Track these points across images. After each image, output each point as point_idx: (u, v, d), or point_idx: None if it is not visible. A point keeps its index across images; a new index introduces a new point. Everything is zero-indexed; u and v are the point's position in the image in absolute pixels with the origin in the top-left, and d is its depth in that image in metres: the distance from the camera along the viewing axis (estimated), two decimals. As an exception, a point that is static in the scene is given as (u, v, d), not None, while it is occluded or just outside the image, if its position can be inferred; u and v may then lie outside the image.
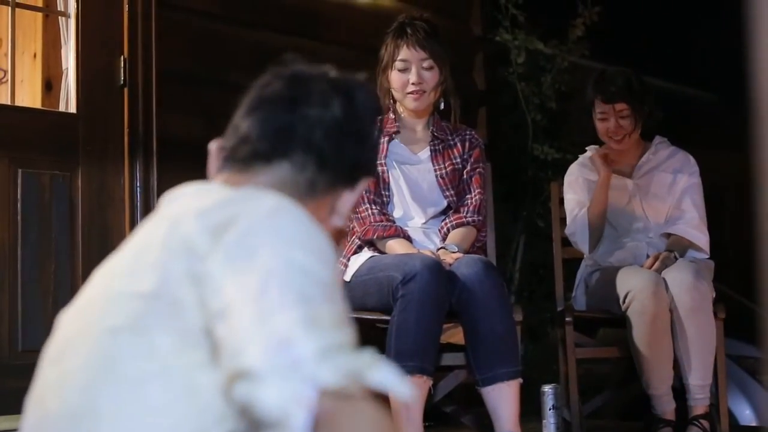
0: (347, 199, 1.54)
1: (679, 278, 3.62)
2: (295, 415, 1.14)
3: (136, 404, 1.25)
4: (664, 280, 3.64)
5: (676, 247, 3.88)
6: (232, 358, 1.20)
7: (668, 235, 3.96)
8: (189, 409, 1.24)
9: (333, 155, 1.50)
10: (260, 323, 1.20)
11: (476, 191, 3.59)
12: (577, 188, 4.06)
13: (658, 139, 4.13)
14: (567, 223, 4.05)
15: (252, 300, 1.22)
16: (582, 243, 3.99)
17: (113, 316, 1.32)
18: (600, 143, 4.11)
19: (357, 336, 1.25)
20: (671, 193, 4.02)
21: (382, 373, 1.20)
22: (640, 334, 3.59)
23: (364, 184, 1.56)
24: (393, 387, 1.20)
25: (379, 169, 3.56)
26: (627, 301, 3.63)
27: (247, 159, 1.49)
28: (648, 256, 3.88)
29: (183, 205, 1.41)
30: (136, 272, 1.34)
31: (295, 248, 1.28)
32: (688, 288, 3.60)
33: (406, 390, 1.20)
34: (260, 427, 1.18)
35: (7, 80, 3.93)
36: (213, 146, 1.57)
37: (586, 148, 4.17)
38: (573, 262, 4.12)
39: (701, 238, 3.93)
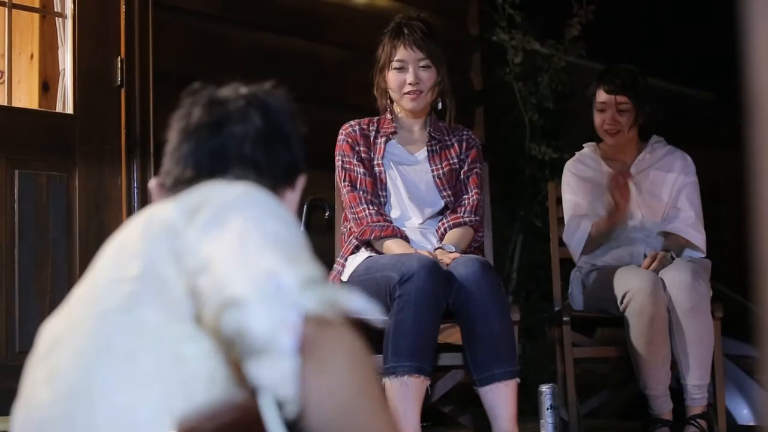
0: (291, 198, 1.64)
1: (677, 278, 3.62)
2: (283, 338, 1.21)
3: (128, 377, 1.29)
4: (661, 280, 3.64)
5: (674, 246, 3.88)
6: (218, 292, 1.27)
7: (665, 234, 3.97)
8: (178, 379, 1.28)
9: (267, 162, 1.59)
10: (242, 262, 1.28)
11: (473, 191, 3.59)
12: (573, 189, 4.06)
13: (654, 138, 4.13)
14: (565, 223, 4.05)
15: (232, 250, 1.30)
16: (575, 251, 4.00)
17: (102, 301, 1.37)
18: (596, 140, 4.12)
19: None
20: (668, 192, 4.02)
21: (357, 302, 1.29)
22: (637, 335, 3.59)
23: (302, 182, 1.65)
24: (367, 312, 1.29)
25: (377, 169, 3.56)
26: (625, 301, 3.62)
27: (191, 182, 1.56)
28: (645, 255, 3.88)
29: (154, 208, 1.48)
30: (119, 263, 1.40)
31: (265, 217, 1.36)
32: (687, 288, 3.60)
33: (377, 314, 1.30)
34: (246, 360, 1.24)
35: (4, 81, 3.93)
36: (152, 184, 1.65)
37: (584, 145, 4.18)
38: (570, 262, 4.12)
39: (698, 237, 3.93)
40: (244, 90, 1.65)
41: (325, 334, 1.24)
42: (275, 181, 1.59)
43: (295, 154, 1.64)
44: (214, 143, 1.58)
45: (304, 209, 4.46)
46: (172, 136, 1.63)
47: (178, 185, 1.57)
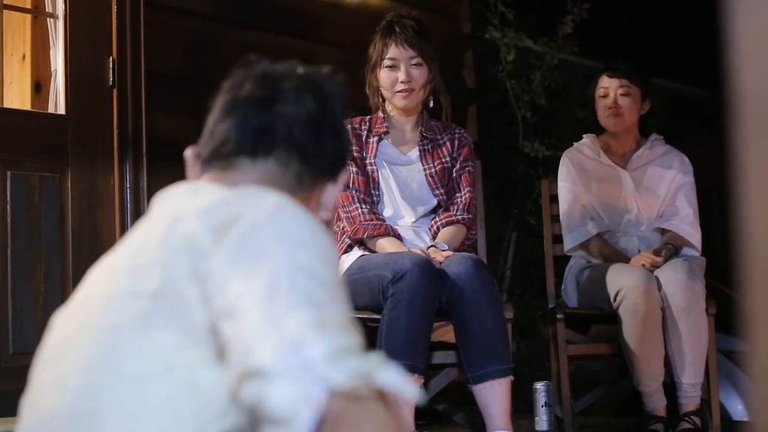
0: (331, 191, 1.56)
1: (673, 277, 3.63)
2: (302, 414, 1.14)
3: (138, 401, 1.25)
4: (656, 278, 3.64)
5: (672, 243, 3.89)
6: (242, 357, 1.20)
7: (662, 231, 3.97)
8: (190, 406, 1.24)
9: (314, 149, 1.52)
10: (271, 324, 1.20)
11: (466, 189, 3.59)
12: (572, 177, 4.06)
13: (654, 135, 4.15)
14: (561, 212, 4.05)
15: (260, 301, 1.22)
16: (568, 243, 4.01)
17: (115, 314, 1.31)
18: (595, 131, 4.13)
19: (362, 337, 1.25)
20: (665, 188, 4.03)
21: (390, 375, 1.20)
22: (631, 332, 3.59)
23: (344, 176, 1.59)
24: (400, 388, 1.20)
25: (369, 168, 3.57)
26: (618, 299, 3.63)
27: (231, 157, 1.50)
28: (639, 251, 3.89)
29: (178, 204, 1.41)
30: (136, 271, 1.34)
31: (299, 249, 1.28)
32: (682, 287, 3.60)
33: (413, 391, 1.21)
34: (263, 425, 1.18)
35: (-4, 82, 3.92)
36: (189, 153, 1.58)
37: (583, 136, 4.18)
38: (564, 260, 4.13)
39: (695, 235, 3.95)
40: (300, 70, 1.58)
41: (355, 410, 1.17)
42: (319, 170, 1.53)
43: (343, 144, 1.59)
44: (262, 120, 1.52)
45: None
46: (217, 105, 1.57)
47: (216, 158, 1.51)
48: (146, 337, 1.27)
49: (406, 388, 1.20)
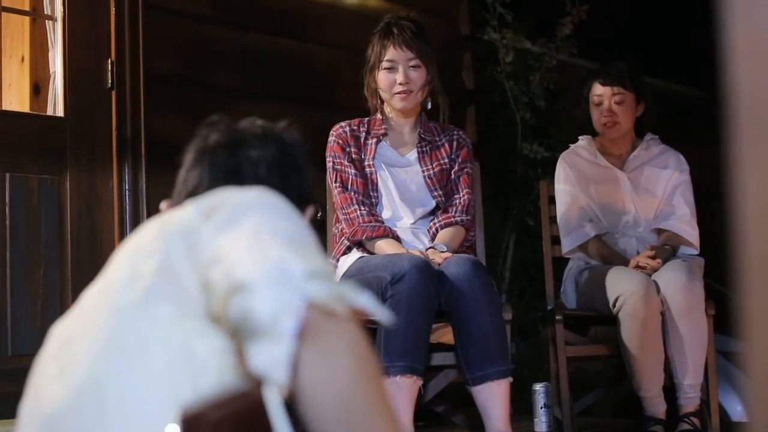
0: None
1: (672, 279, 3.62)
2: (285, 321, 1.23)
3: (139, 372, 1.30)
4: (654, 282, 3.64)
5: (670, 243, 3.89)
6: (227, 277, 1.29)
7: (659, 231, 3.97)
8: (188, 374, 1.29)
9: (279, 187, 1.60)
10: (255, 250, 1.30)
11: (464, 191, 3.59)
12: (570, 180, 4.06)
13: (649, 135, 4.14)
14: (559, 214, 4.05)
15: (245, 241, 1.32)
16: (566, 246, 4.01)
17: (118, 299, 1.38)
18: (590, 133, 4.13)
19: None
20: (662, 188, 4.03)
21: (364, 298, 1.30)
22: (631, 337, 3.58)
23: (310, 212, 1.70)
24: (372, 310, 1.30)
25: (368, 170, 3.57)
26: (618, 304, 3.62)
27: None
28: (638, 252, 3.89)
29: (171, 213, 1.49)
30: (136, 261, 1.41)
31: (278, 217, 1.39)
32: (682, 288, 3.60)
33: (384, 314, 1.31)
34: (249, 343, 1.25)
35: (-5, 84, 3.93)
36: (164, 206, 1.68)
37: (579, 138, 4.18)
38: (563, 261, 4.13)
39: (693, 234, 3.94)
40: (260, 122, 1.71)
41: (329, 323, 1.26)
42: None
43: (306, 184, 1.70)
44: (230, 162, 1.63)
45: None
46: (187, 158, 1.67)
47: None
48: (147, 311, 1.34)
49: (378, 311, 1.30)
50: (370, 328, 3.22)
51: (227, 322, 1.29)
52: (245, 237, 1.33)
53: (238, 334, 1.27)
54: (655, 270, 3.71)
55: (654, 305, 3.57)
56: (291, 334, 1.22)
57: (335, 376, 1.26)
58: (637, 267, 3.74)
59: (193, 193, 1.61)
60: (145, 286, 1.36)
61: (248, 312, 1.25)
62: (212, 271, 1.32)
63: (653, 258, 3.75)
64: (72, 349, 1.37)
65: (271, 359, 1.23)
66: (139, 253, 1.42)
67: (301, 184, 1.68)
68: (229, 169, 1.62)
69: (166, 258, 1.38)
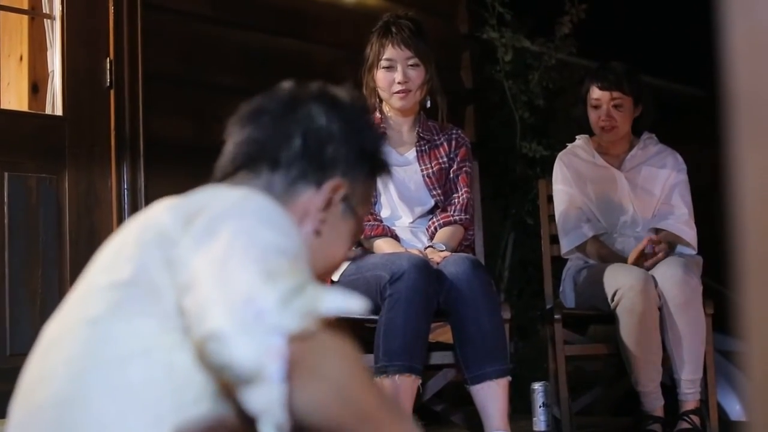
0: (313, 199, 1.57)
1: (668, 273, 3.63)
2: (270, 365, 1.19)
3: (119, 384, 1.29)
4: (652, 277, 3.64)
5: (668, 242, 3.89)
6: (198, 325, 1.24)
7: (657, 231, 3.97)
8: (169, 387, 1.28)
9: (302, 151, 1.56)
10: (221, 287, 1.25)
11: (463, 190, 3.59)
12: (568, 180, 4.06)
13: (646, 134, 4.14)
14: (559, 213, 4.04)
15: (213, 268, 1.28)
16: (564, 246, 4.01)
17: (93, 307, 1.36)
18: (588, 132, 4.13)
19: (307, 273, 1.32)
20: (660, 187, 4.04)
21: (338, 301, 1.27)
22: (628, 332, 3.59)
23: (330, 186, 1.57)
24: (346, 308, 1.27)
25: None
26: (615, 299, 3.63)
27: (234, 172, 1.58)
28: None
29: (151, 211, 1.47)
30: (113, 267, 1.39)
31: (258, 225, 1.34)
32: (678, 283, 3.61)
33: (358, 305, 1.28)
34: (237, 389, 1.22)
35: (-7, 83, 3.92)
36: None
37: (576, 137, 4.18)
38: (562, 260, 4.13)
39: (690, 233, 3.95)
40: (289, 85, 1.64)
41: (309, 344, 1.23)
42: (304, 173, 1.55)
43: (337, 155, 1.58)
44: (251, 130, 1.59)
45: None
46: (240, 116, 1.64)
47: (223, 179, 1.59)
48: (124, 324, 1.32)
49: (351, 305, 1.27)
50: (368, 327, 3.22)
51: (207, 362, 1.26)
52: (215, 260, 1.28)
53: (222, 374, 1.25)
54: (656, 263, 3.72)
55: (652, 300, 3.58)
56: (279, 377, 1.20)
57: (326, 392, 1.25)
58: (638, 258, 3.74)
59: (226, 166, 1.59)
60: (120, 296, 1.34)
61: (228, 361, 1.21)
62: (185, 299, 1.29)
63: (657, 242, 3.74)
64: (52, 355, 1.37)
65: (265, 403, 1.21)
66: (117, 258, 1.40)
67: (332, 153, 1.57)
68: (249, 138, 1.58)
69: (141, 266, 1.35)
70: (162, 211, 1.42)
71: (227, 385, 1.26)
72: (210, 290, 1.25)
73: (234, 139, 1.60)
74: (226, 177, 1.58)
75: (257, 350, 1.19)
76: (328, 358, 1.25)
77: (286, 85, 1.64)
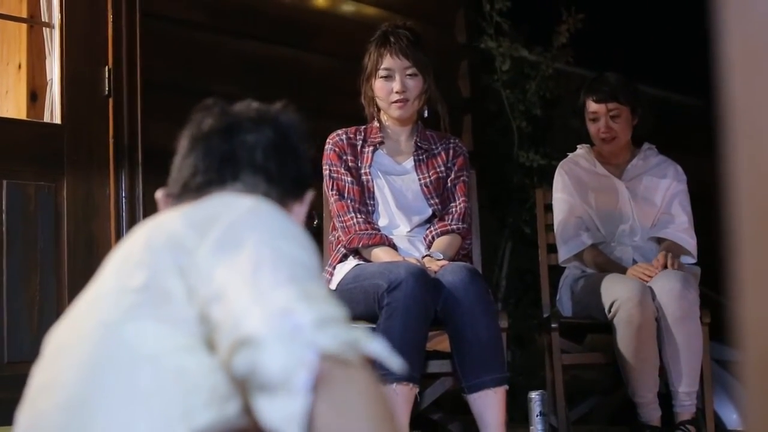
0: (298, 211, 1.63)
1: (667, 287, 3.62)
2: (298, 376, 1.19)
3: (128, 388, 1.29)
4: (650, 288, 3.64)
5: (671, 251, 3.89)
6: (233, 329, 1.24)
7: (658, 240, 3.98)
8: (178, 392, 1.28)
9: (277, 172, 1.59)
10: (258, 297, 1.25)
11: (460, 199, 3.59)
12: (568, 189, 4.06)
13: (646, 145, 4.15)
14: (558, 221, 4.05)
15: (246, 280, 1.28)
16: (562, 255, 4.01)
17: (104, 311, 1.36)
18: (589, 142, 4.14)
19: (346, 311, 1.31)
20: (660, 197, 4.04)
21: (376, 345, 1.26)
22: (626, 343, 3.59)
23: (310, 196, 1.65)
24: (386, 358, 1.26)
25: (364, 178, 3.57)
26: (613, 310, 3.62)
27: (201, 188, 1.56)
28: (634, 261, 3.90)
29: (160, 217, 1.47)
30: (123, 272, 1.39)
31: (277, 237, 1.35)
32: (677, 296, 3.60)
33: (397, 362, 1.27)
34: (257, 396, 1.22)
35: (-8, 91, 3.92)
36: (159, 194, 1.64)
37: (578, 146, 4.18)
38: (559, 269, 4.13)
39: (691, 242, 3.95)
40: (255, 105, 1.67)
41: (341, 372, 1.22)
42: (284, 191, 1.59)
43: (305, 168, 1.65)
44: (224, 149, 1.58)
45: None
46: (182, 144, 1.64)
47: (187, 193, 1.57)
48: (134, 328, 1.32)
49: (391, 359, 1.26)
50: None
51: (232, 372, 1.25)
52: (245, 272, 1.28)
53: (245, 384, 1.24)
54: (651, 276, 3.72)
55: (649, 311, 3.58)
56: (305, 389, 1.19)
57: (350, 427, 1.23)
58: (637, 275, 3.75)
59: (189, 181, 1.57)
60: (132, 301, 1.34)
61: (258, 367, 1.20)
62: (213, 309, 1.29)
63: (662, 265, 3.73)
64: (62, 360, 1.36)
65: (285, 415, 1.19)
66: (127, 264, 1.40)
67: (300, 168, 1.64)
68: (224, 156, 1.57)
69: (153, 272, 1.35)
70: (173, 218, 1.42)
71: (245, 395, 1.25)
72: (245, 300, 1.25)
73: (198, 154, 1.59)
74: (193, 191, 1.57)
75: (290, 359, 1.19)
76: (356, 393, 1.23)
77: (254, 104, 1.67)
